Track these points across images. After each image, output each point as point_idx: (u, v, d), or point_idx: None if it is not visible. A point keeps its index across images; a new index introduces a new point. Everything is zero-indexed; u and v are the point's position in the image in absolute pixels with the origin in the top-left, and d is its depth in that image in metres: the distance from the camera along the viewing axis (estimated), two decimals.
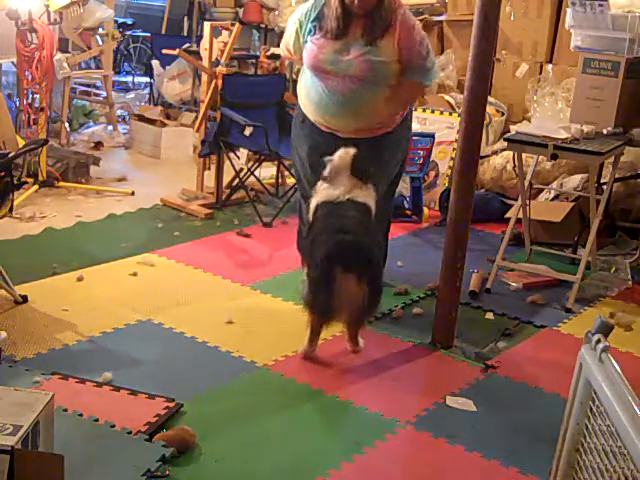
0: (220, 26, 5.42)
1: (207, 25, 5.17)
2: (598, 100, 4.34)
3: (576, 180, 4.96)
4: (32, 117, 5.24)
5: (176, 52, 5.45)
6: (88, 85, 7.85)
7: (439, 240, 4.31)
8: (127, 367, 3.12)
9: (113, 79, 7.51)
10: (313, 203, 3.38)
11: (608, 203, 4.45)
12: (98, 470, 2.44)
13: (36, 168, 5.19)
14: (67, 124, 6.32)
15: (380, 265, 3.46)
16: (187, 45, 6.65)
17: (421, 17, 6.02)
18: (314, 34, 3.50)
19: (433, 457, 2.75)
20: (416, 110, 5.30)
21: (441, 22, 6.33)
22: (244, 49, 7.09)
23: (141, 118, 6.55)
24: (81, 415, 2.72)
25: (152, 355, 3.25)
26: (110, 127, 6.91)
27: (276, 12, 7.39)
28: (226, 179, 5.35)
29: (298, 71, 4.02)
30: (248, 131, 4.72)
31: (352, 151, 3.37)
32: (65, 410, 2.71)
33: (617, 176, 4.52)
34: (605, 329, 1.83)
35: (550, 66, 5.72)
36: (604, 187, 4.39)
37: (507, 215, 4.89)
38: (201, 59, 5.27)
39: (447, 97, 5.85)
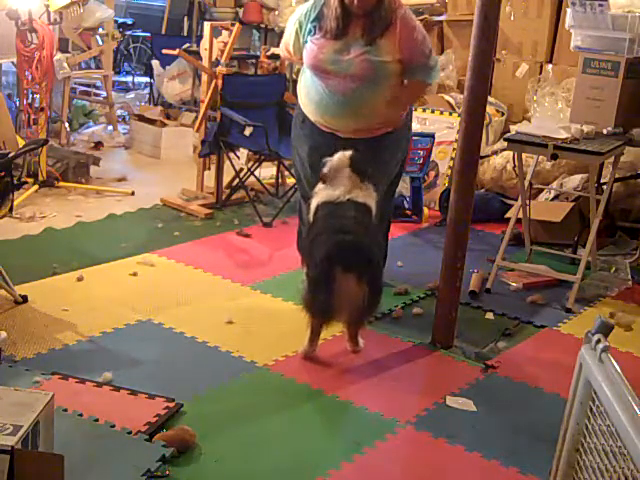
0: (220, 26, 5.42)
1: (207, 25, 5.17)
2: (598, 100, 4.34)
3: (576, 180, 4.96)
4: (32, 117, 5.24)
5: (176, 52, 5.45)
6: (88, 85, 7.85)
7: (439, 240, 4.31)
8: (127, 367, 3.12)
9: (113, 79, 7.51)
10: (313, 204, 3.38)
11: (608, 203, 4.45)
12: (98, 470, 2.44)
13: (36, 168, 5.19)
14: (67, 124, 6.32)
15: (380, 265, 3.46)
16: (187, 45, 6.65)
17: (421, 17, 6.02)
18: (314, 34, 3.50)
19: (433, 457, 2.75)
20: (416, 110, 5.30)
21: (441, 22, 6.34)
22: (244, 49, 7.09)
23: (141, 118, 6.55)
24: (81, 415, 2.72)
25: (152, 355, 3.25)
26: (110, 127, 6.91)
27: (276, 12, 7.39)
28: (226, 179, 5.36)
29: (298, 71, 4.02)
30: (248, 131, 4.72)
31: (349, 153, 3.37)
32: (65, 410, 2.71)
33: (617, 176, 4.52)
34: (605, 329, 1.83)
35: (550, 66, 5.72)
36: (604, 187, 4.39)
37: (507, 215, 4.89)
38: (201, 59, 5.27)
39: (447, 97, 5.85)
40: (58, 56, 5.70)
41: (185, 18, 8.27)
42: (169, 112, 6.75)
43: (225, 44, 5.16)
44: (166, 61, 6.85)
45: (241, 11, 7.52)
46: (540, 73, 5.76)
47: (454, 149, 5.22)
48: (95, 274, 3.99)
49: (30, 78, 5.16)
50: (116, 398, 2.88)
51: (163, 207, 5.14)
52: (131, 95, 8.15)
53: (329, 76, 3.48)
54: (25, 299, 3.60)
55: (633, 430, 1.51)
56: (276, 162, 5.41)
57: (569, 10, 4.42)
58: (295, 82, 4.07)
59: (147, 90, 7.97)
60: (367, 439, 2.77)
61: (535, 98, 5.55)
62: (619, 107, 4.27)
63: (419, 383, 3.29)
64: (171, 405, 2.84)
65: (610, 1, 4.24)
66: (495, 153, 5.51)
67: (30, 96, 5.25)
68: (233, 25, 5.25)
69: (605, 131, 4.16)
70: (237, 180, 5.22)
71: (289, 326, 3.49)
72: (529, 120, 5.53)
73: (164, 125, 6.40)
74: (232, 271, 4.18)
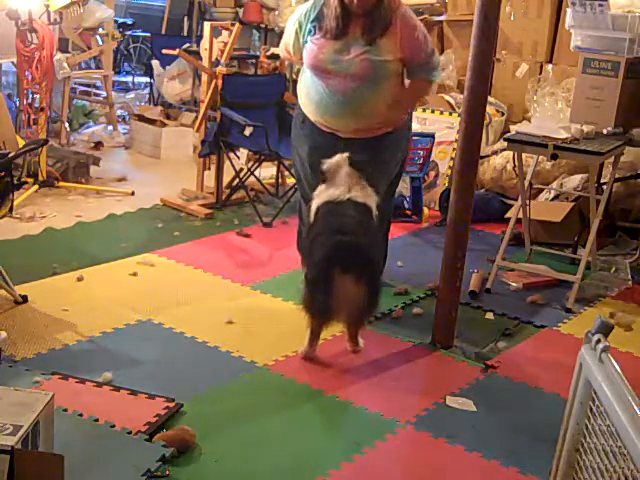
0: (220, 26, 5.42)
1: (207, 25, 5.17)
2: (598, 100, 4.34)
3: (576, 180, 4.96)
4: (32, 117, 5.24)
5: (176, 52, 5.45)
6: (88, 85, 7.85)
7: (439, 240, 4.31)
8: (127, 367, 3.12)
9: (113, 79, 7.51)
10: (314, 206, 3.37)
11: (608, 203, 4.45)
12: (98, 470, 2.44)
13: (36, 168, 5.19)
14: (67, 124, 6.32)
15: (379, 266, 3.46)
16: (187, 45, 6.65)
17: (421, 17, 6.01)
18: (314, 34, 3.50)
19: (433, 457, 2.75)
20: (416, 110, 5.30)
21: (441, 22, 6.34)
22: (244, 49, 7.09)
23: (141, 118, 6.55)
24: (81, 415, 2.72)
25: (152, 355, 3.25)
26: (110, 127, 6.91)
27: (276, 12, 7.39)
28: (226, 179, 5.36)
29: (298, 71, 4.02)
30: (248, 131, 4.72)
31: (347, 154, 3.38)
32: (65, 410, 2.71)
33: (617, 176, 4.52)
34: (605, 329, 1.83)
35: (550, 66, 5.72)
36: (604, 187, 4.39)
37: (507, 215, 4.89)
38: (201, 59, 5.27)
39: (447, 97, 5.85)
40: (58, 56, 5.70)
41: (185, 18, 8.27)
42: (169, 112, 6.75)
43: (225, 44, 5.16)
44: (166, 61, 6.85)
45: (241, 11, 7.52)
46: (540, 73, 5.76)
47: (454, 149, 5.22)
48: (95, 274, 3.99)
49: (30, 78, 5.16)
50: (116, 398, 2.88)
51: (163, 207, 5.14)
52: (131, 95, 8.15)
53: (329, 76, 3.48)
54: (25, 299, 3.60)
55: (633, 430, 1.51)
56: (276, 162, 5.41)
57: (569, 10, 4.42)
58: (295, 82, 4.07)
59: (147, 90, 7.97)
60: (367, 439, 2.77)
61: (535, 98, 5.55)
62: (619, 107, 4.27)
63: (419, 383, 3.29)
64: (171, 405, 2.84)
65: (610, 1, 4.24)
66: (495, 153, 5.51)
67: (30, 96, 5.25)
68: (233, 25, 5.25)
69: (605, 131, 4.16)
70: (237, 180, 5.22)
71: (289, 326, 3.49)
72: (529, 120, 5.53)
73: (164, 125, 6.40)
74: (232, 271, 4.18)
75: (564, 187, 4.97)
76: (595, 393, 1.75)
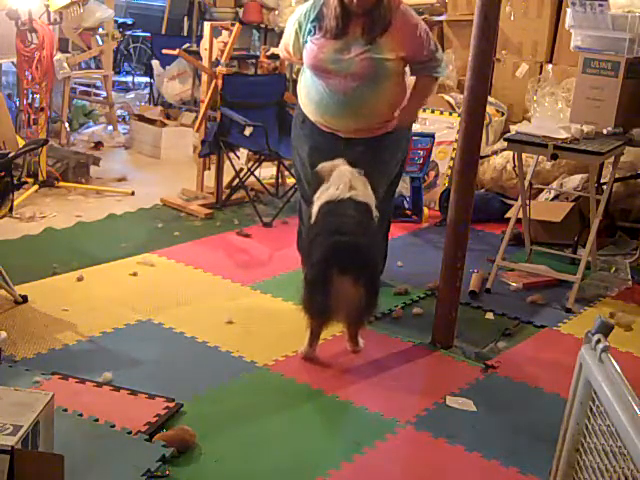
0: (220, 26, 5.42)
1: (207, 25, 5.17)
2: (598, 100, 4.34)
3: (576, 180, 4.97)
4: (32, 117, 5.24)
5: (176, 52, 5.45)
6: (88, 85, 7.85)
7: (439, 240, 4.31)
8: (127, 367, 3.12)
9: (113, 79, 7.51)
10: (315, 207, 3.37)
11: (608, 203, 4.45)
12: (98, 470, 2.44)
13: (36, 168, 5.19)
14: (67, 124, 6.32)
15: (378, 266, 3.46)
16: (187, 45, 6.65)
17: (421, 17, 6.01)
18: (314, 34, 3.50)
19: (433, 457, 2.75)
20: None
21: (441, 22, 6.34)
22: (244, 49, 7.09)
23: (141, 118, 6.55)
24: (81, 415, 2.72)
25: (152, 355, 3.25)
26: (110, 127, 6.91)
27: (276, 12, 7.39)
28: (226, 179, 5.36)
29: (298, 71, 4.02)
30: (248, 131, 4.72)
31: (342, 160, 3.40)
32: (65, 410, 2.71)
33: (617, 176, 4.52)
34: (605, 329, 1.83)
35: (550, 66, 5.72)
36: (604, 187, 4.39)
37: (507, 215, 4.89)
38: (201, 59, 5.27)
39: (447, 97, 5.84)
40: (58, 56, 5.70)
41: (185, 18, 8.27)
42: (169, 112, 6.75)
43: (225, 44, 5.16)
44: (166, 61, 6.85)
45: (241, 11, 7.53)
46: (540, 73, 5.76)
47: (454, 149, 5.22)
48: (95, 274, 3.99)
49: (30, 78, 5.16)
50: (116, 398, 2.88)
51: (163, 207, 5.14)
52: (131, 95, 8.15)
53: (330, 76, 3.48)
54: (25, 299, 3.60)
55: (633, 430, 1.51)
56: (276, 162, 5.41)
57: (569, 10, 4.42)
58: (295, 82, 4.07)
59: (147, 90, 7.97)
60: (367, 439, 2.77)
61: (535, 98, 5.55)
62: (619, 107, 4.27)
63: (419, 383, 3.29)
64: (171, 405, 2.84)
65: (610, 1, 4.24)
66: (495, 153, 5.51)
67: (30, 96, 5.25)
68: (233, 25, 5.25)
69: (605, 131, 4.16)
70: (237, 180, 5.22)
71: (289, 326, 3.48)
72: (529, 120, 5.53)
73: (164, 125, 6.40)
74: (232, 271, 4.18)
75: (564, 187, 4.97)
76: (595, 393, 1.75)
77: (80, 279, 3.91)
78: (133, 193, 5.33)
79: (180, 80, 6.82)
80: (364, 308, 3.19)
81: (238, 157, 5.30)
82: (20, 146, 4.50)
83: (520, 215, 4.35)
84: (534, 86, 5.63)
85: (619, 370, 1.71)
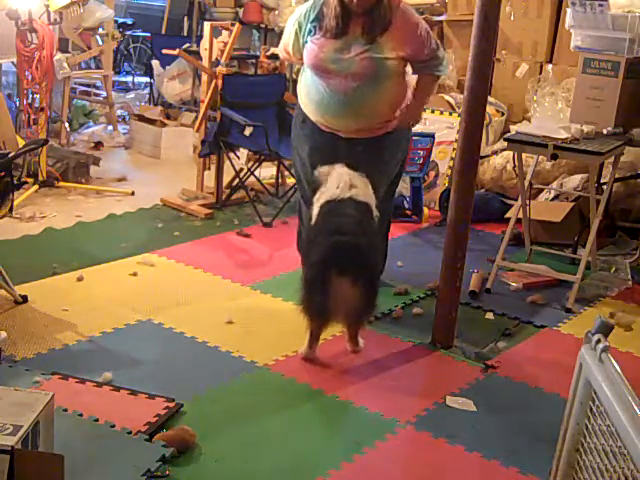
0: (220, 26, 5.42)
1: (207, 25, 5.17)
2: (598, 100, 4.34)
3: (576, 180, 4.97)
4: (32, 117, 5.24)
5: (176, 52, 5.45)
6: (88, 85, 7.85)
7: (439, 240, 4.31)
8: (127, 367, 3.12)
9: (113, 79, 7.51)
10: (315, 209, 3.36)
11: (608, 203, 4.45)
12: (98, 470, 2.44)
13: (36, 168, 5.19)
14: (67, 124, 6.32)
15: (377, 266, 3.45)
16: (187, 45, 6.65)
17: (421, 17, 6.02)
18: (314, 34, 3.50)
19: (433, 457, 2.75)
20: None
21: (441, 22, 6.33)
22: (244, 49, 7.09)
23: (141, 118, 6.55)
24: (81, 415, 2.72)
25: (152, 355, 3.25)
26: (110, 127, 6.91)
27: (276, 12, 7.39)
28: (226, 179, 5.36)
29: (298, 71, 4.02)
30: (248, 131, 4.72)
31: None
32: (65, 410, 2.71)
33: (617, 176, 4.52)
34: (605, 329, 1.82)
35: (550, 66, 5.72)
36: (604, 187, 4.39)
37: (507, 215, 4.89)
38: (201, 59, 5.27)
39: (447, 97, 5.84)
40: (58, 56, 5.70)
41: (185, 18, 8.27)
42: (169, 112, 6.75)
43: (225, 44, 5.16)
44: (166, 61, 6.85)
45: (241, 11, 7.53)
46: (540, 73, 5.76)
47: (454, 149, 5.22)
48: (95, 274, 3.99)
49: (30, 78, 5.16)
50: (116, 398, 2.88)
51: (163, 207, 5.14)
52: (131, 95, 8.15)
53: (330, 75, 3.47)
54: (25, 299, 3.60)
55: (633, 430, 1.51)
56: (276, 162, 5.41)
57: (569, 10, 4.42)
58: (295, 82, 4.07)
59: (147, 90, 7.97)
60: (367, 439, 2.77)
61: (535, 98, 5.55)
62: (619, 107, 4.27)
63: (419, 383, 3.29)
64: (171, 405, 2.84)
65: (610, 1, 4.24)
66: (495, 153, 5.51)
67: (30, 96, 5.25)
68: (233, 25, 5.25)
69: (605, 131, 4.16)
70: (237, 180, 5.22)
71: (289, 326, 3.48)
72: (529, 120, 5.53)
73: (164, 125, 6.40)
74: (232, 271, 4.18)
75: (564, 187, 4.97)
76: (595, 393, 1.75)
77: (80, 279, 3.91)
78: (133, 193, 5.33)
79: (180, 80, 6.83)
80: (363, 309, 3.19)
81: (238, 157, 5.30)
82: (20, 146, 4.50)
83: (520, 215, 4.35)
84: (534, 86, 5.63)
85: (619, 370, 1.71)
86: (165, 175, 5.86)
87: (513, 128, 5.17)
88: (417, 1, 6.24)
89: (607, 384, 1.68)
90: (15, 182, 3.76)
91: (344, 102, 3.48)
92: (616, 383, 1.66)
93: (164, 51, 5.77)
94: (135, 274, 4.02)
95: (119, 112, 7.36)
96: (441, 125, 5.54)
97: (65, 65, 5.90)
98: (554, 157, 3.91)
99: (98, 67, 7.26)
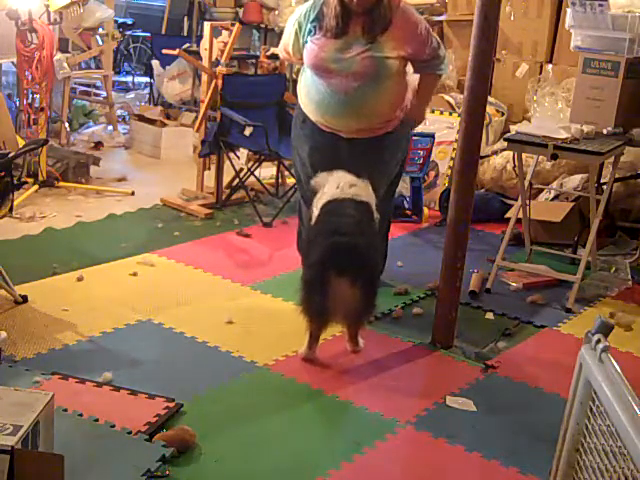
0: (220, 26, 5.42)
1: (207, 25, 5.17)
2: (598, 100, 4.34)
3: (576, 180, 4.97)
4: (32, 117, 5.24)
5: (176, 52, 5.45)
6: (88, 85, 7.86)
7: (439, 240, 4.31)
8: (127, 367, 3.12)
9: (113, 79, 7.51)
10: (315, 211, 3.36)
11: (608, 203, 4.45)
12: (98, 470, 2.44)
13: (36, 168, 5.19)
14: (67, 124, 6.32)
15: (377, 266, 3.45)
16: (187, 45, 6.66)
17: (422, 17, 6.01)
18: (314, 34, 3.49)
19: (433, 457, 2.75)
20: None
21: (441, 22, 6.33)
22: (244, 49, 7.09)
23: (141, 118, 6.55)
24: (81, 415, 2.72)
25: (152, 355, 3.25)
26: (110, 127, 6.91)
27: (276, 12, 7.39)
28: (226, 179, 5.36)
29: (298, 71, 4.02)
30: (248, 131, 4.72)
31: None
32: (65, 410, 2.71)
33: (617, 176, 4.52)
34: (605, 329, 1.83)
35: (550, 66, 5.72)
36: (604, 187, 4.39)
37: (507, 215, 4.89)
38: (201, 59, 5.27)
39: (447, 97, 5.84)
40: (58, 56, 5.70)
41: (185, 18, 8.27)
42: (169, 112, 6.75)
43: (225, 44, 5.16)
44: (166, 61, 6.85)
45: (241, 11, 7.53)
46: (540, 73, 5.76)
47: (454, 149, 5.22)
48: (95, 274, 3.99)
49: (30, 78, 5.16)
50: (116, 398, 2.88)
51: (163, 207, 5.14)
52: (131, 95, 8.15)
53: (331, 75, 3.47)
54: (25, 299, 3.60)
55: (633, 430, 1.51)
56: (276, 162, 5.41)
57: (569, 10, 4.42)
58: (295, 82, 4.06)
59: (147, 90, 7.97)
60: (367, 439, 2.77)
61: (535, 98, 5.55)
62: (619, 107, 4.27)
63: (419, 383, 3.29)
64: (171, 405, 2.84)
65: (610, 1, 4.24)
66: (495, 153, 5.51)
67: (30, 96, 5.25)
68: (233, 25, 5.25)
69: (605, 131, 4.16)
70: (237, 180, 5.22)
71: (289, 326, 3.48)
72: (529, 120, 5.53)
73: (164, 125, 6.40)
74: (232, 271, 4.18)
75: (564, 187, 4.97)
76: (595, 393, 1.75)
77: (80, 279, 3.91)
78: (133, 193, 5.33)
79: (180, 80, 6.83)
80: (363, 309, 3.19)
81: (238, 157, 5.30)
82: (20, 146, 4.50)
83: (520, 215, 4.35)
84: (534, 86, 5.63)
85: (619, 370, 1.71)
86: (165, 175, 5.86)
87: (513, 128, 5.17)
88: (417, 1, 6.23)
89: (607, 384, 1.68)
90: (15, 182, 3.76)
91: (345, 102, 3.48)
92: (616, 383, 1.66)
93: (164, 51, 5.77)
94: (135, 274, 4.02)
95: (119, 112, 7.36)
96: (441, 125, 5.54)
97: (65, 65, 5.90)
98: (554, 157, 3.91)
99: (98, 67, 7.26)
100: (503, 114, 5.83)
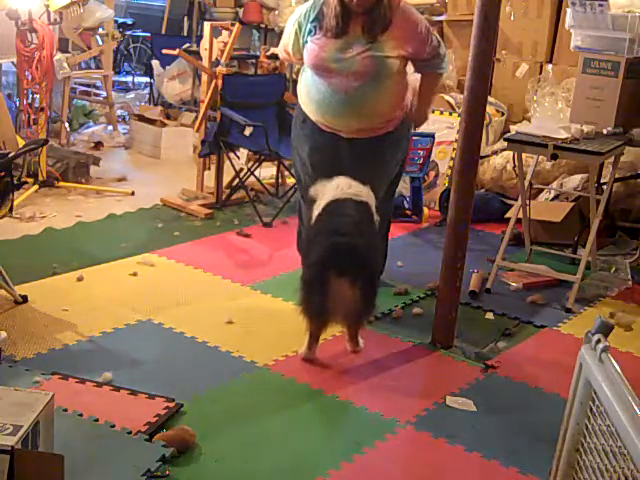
0: (220, 26, 5.42)
1: (207, 25, 5.17)
2: (598, 100, 4.34)
3: (576, 180, 4.97)
4: (32, 117, 5.24)
5: (176, 52, 5.45)
6: (88, 85, 7.86)
7: (439, 240, 4.31)
8: (127, 367, 3.12)
9: (113, 79, 7.51)
10: (315, 212, 3.36)
11: (608, 203, 4.45)
12: (98, 470, 2.44)
13: (36, 168, 5.19)
14: (67, 124, 6.32)
15: (377, 266, 3.45)
16: (187, 45, 6.66)
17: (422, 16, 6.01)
18: (314, 34, 3.49)
19: (433, 457, 2.75)
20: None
21: (441, 22, 6.33)
22: (244, 49, 7.10)
23: (141, 118, 6.55)
24: (81, 415, 2.72)
25: (152, 355, 3.25)
26: (110, 127, 6.91)
27: (276, 12, 7.39)
28: (226, 179, 5.36)
29: (298, 71, 4.02)
30: (248, 131, 4.73)
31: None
32: (65, 410, 2.71)
33: (617, 176, 4.52)
34: (605, 329, 1.83)
35: (550, 66, 5.72)
36: (604, 187, 4.39)
37: (507, 215, 4.89)
38: (201, 59, 5.27)
39: (447, 97, 5.84)
40: (58, 56, 5.70)
41: (185, 18, 8.27)
42: (169, 112, 6.75)
43: (225, 44, 5.16)
44: (166, 61, 6.86)
45: (241, 11, 7.53)
46: (540, 73, 5.76)
47: (454, 149, 5.22)
48: (95, 274, 3.99)
49: (30, 78, 5.16)
50: (116, 398, 2.88)
51: (163, 207, 5.14)
52: (131, 95, 8.15)
53: (332, 75, 3.47)
54: (25, 299, 3.60)
55: (633, 430, 1.51)
56: (276, 162, 5.41)
57: (569, 10, 4.42)
58: (295, 82, 4.07)
59: (147, 90, 7.97)
60: (367, 439, 2.77)
61: (535, 98, 5.55)
62: (619, 107, 4.27)
63: (419, 383, 3.29)
64: (171, 405, 2.84)
65: (610, 1, 4.24)
66: (495, 153, 5.51)
67: (30, 96, 5.25)
68: (233, 25, 5.25)
69: (605, 131, 4.16)
70: (237, 180, 5.22)
71: (289, 326, 3.48)
72: (529, 120, 5.53)
73: (164, 125, 6.40)
74: (232, 271, 4.18)
75: (564, 187, 4.97)
76: (595, 393, 1.75)
77: (80, 279, 3.91)
78: (133, 193, 5.33)
79: (180, 80, 6.83)
80: (363, 309, 3.19)
81: (238, 157, 5.30)
82: (20, 146, 4.50)
83: (520, 215, 4.35)
84: (534, 86, 5.63)
85: (619, 370, 1.71)
86: (165, 175, 5.86)
87: (513, 128, 5.17)
88: (417, 1, 6.23)
89: (607, 384, 1.68)
90: (15, 182, 3.76)
91: (345, 101, 3.48)
92: (616, 383, 1.67)
93: (164, 51, 5.77)
94: (135, 274, 4.02)
95: (119, 112, 7.36)
96: (441, 125, 5.54)
97: (65, 65, 5.90)
98: (554, 157, 3.91)
99: (98, 67, 7.26)
100: (503, 114, 5.83)
